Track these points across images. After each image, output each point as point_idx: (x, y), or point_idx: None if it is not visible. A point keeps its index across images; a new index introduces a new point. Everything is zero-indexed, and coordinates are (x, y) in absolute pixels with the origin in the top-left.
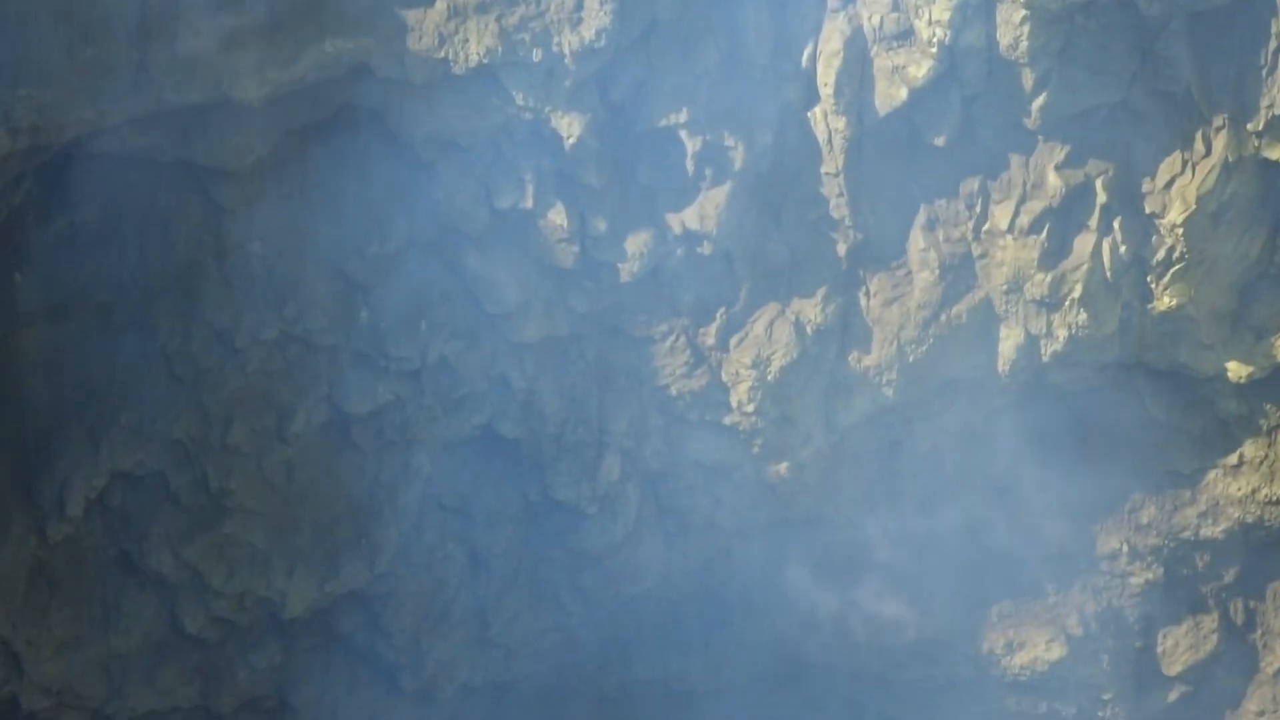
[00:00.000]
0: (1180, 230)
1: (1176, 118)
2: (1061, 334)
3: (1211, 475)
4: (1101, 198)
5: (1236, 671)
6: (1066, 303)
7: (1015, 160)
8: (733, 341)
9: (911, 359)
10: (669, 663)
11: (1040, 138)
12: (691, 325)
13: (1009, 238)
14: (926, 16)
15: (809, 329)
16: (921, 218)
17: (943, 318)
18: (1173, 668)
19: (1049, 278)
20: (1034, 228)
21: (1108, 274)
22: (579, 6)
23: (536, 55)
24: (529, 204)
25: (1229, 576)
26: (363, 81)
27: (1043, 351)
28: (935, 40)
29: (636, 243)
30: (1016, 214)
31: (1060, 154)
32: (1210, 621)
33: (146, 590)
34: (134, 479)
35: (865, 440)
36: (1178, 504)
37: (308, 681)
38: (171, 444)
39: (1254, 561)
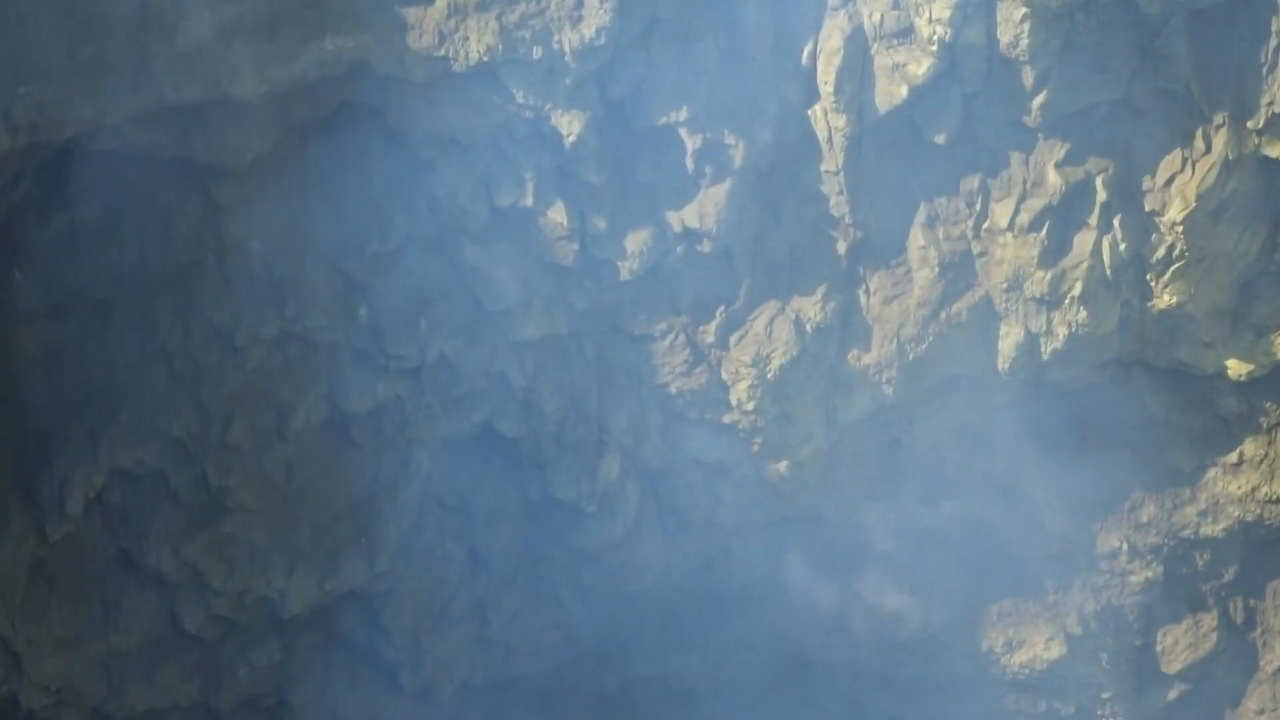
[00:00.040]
0: (1180, 228)
1: (1177, 115)
2: (1061, 332)
3: (1211, 473)
4: (1101, 195)
5: (1236, 670)
6: (1066, 300)
7: (1015, 158)
8: (732, 339)
9: (911, 357)
10: (669, 661)
11: (1040, 135)
12: (691, 323)
13: (1009, 235)
14: (927, 14)
15: (809, 327)
16: (921, 215)
17: (943, 316)
18: (1172, 666)
19: (1049, 275)
20: (1034, 225)
21: (1108, 272)
22: (579, 4)
23: (537, 53)
24: (529, 202)
25: (1229, 575)
26: (363, 79)
27: (1043, 349)
28: (935, 38)
29: (636, 240)
30: (1017, 212)
31: (1060, 152)
32: (1210, 620)
33: (146, 588)
34: (134, 477)
35: (865, 438)
36: (1177, 502)
37: (307, 680)
38: (171, 442)
39: (1254, 560)
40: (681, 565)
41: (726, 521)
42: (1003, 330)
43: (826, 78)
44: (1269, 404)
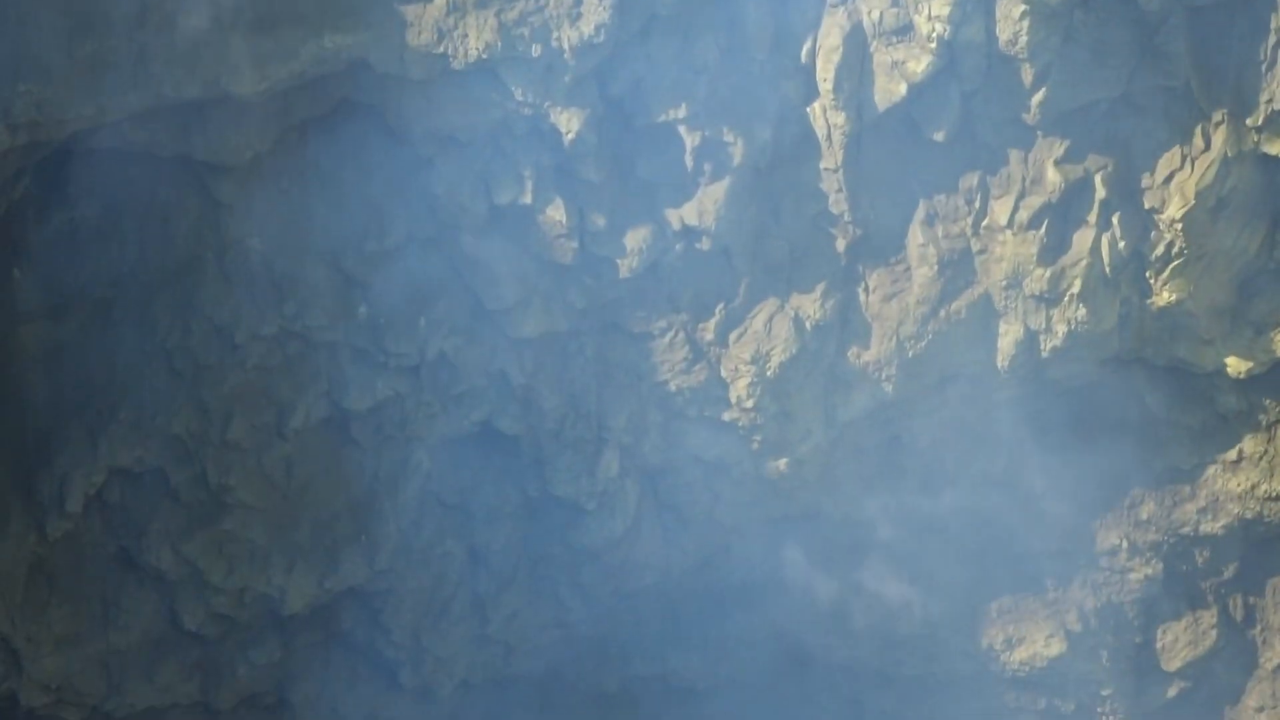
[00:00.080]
0: (1179, 225)
1: (1176, 113)
2: (1061, 329)
3: (1211, 471)
4: (1101, 193)
5: (1236, 667)
6: (1066, 298)
7: (1014, 155)
8: (732, 337)
9: (911, 354)
10: (668, 659)
11: (1039, 133)
12: (690, 321)
13: (1008, 233)
14: (926, 12)
15: (808, 324)
16: (921, 213)
17: (942, 313)
18: (1172, 663)
19: (1048, 273)
20: (1033, 223)
21: (1107, 269)
22: (578, 2)
23: (536, 51)
24: (528, 199)
25: (1228, 572)
26: (362, 77)
27: (1042, 347)
28: (934, 35)
29: (635, 238)
30: (1016, 209)
31: (1059, 149)
32: (1209, 617)
33: (146, 587)
34: (133, 475)
35: (865, 436)
36: (1177, 499)
37: (307, 678)
38: (171, 440)
39: (1253, 557)
40: (681, 563)
41: (726, 519)
42: (1002, 328)
43: (826, 75)
44: (1268, 401)
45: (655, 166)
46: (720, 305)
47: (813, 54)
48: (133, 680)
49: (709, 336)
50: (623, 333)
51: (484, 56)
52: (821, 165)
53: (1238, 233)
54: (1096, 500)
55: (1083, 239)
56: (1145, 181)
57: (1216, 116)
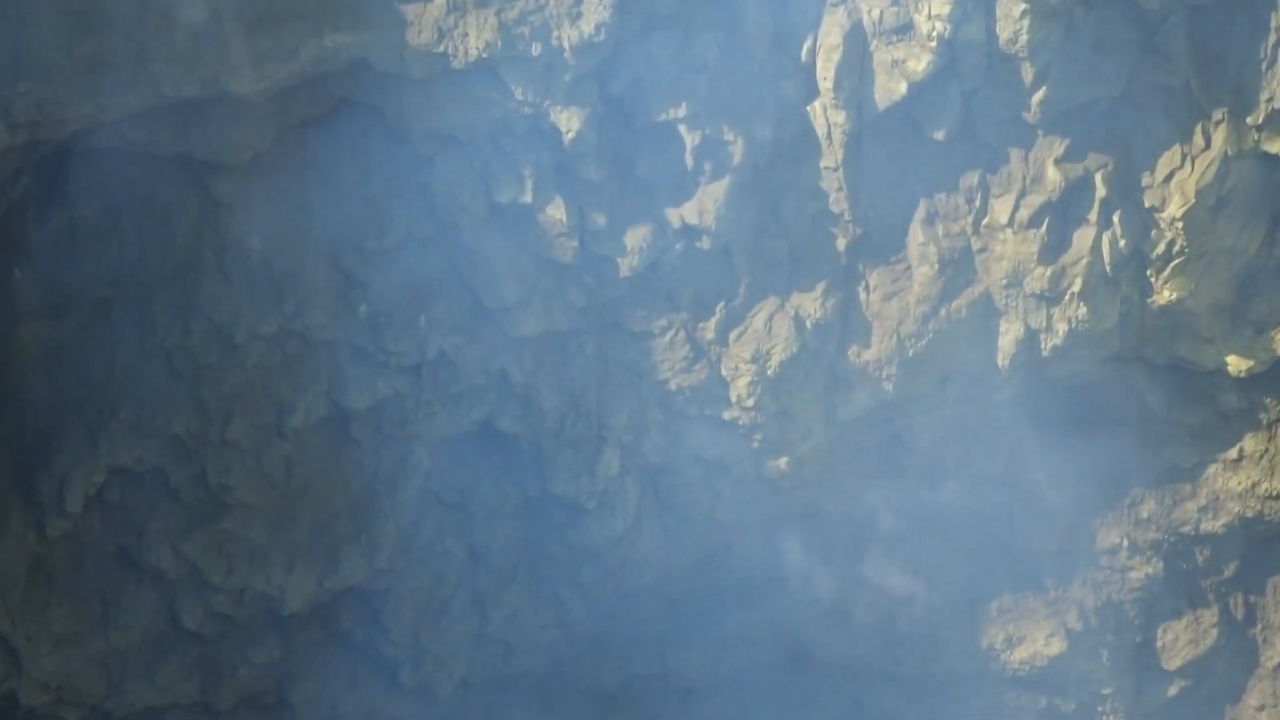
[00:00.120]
0: (1180, 224)
1: (1176, 111)
2: (1061, 328)
3: (1211, 469)
4: (1101, 191)
5: (1236, 666)
6: (1066, 297)
7: (1015, 154)
8: (732, 336)
9: (911, 353)
10: (668, 658)
11: (1040, 131)
12: (690, 320)
13: (1009, 232)
14: (926, 10)
15: (808, 323)
16: (921, 212)
17: (942, 312)
18: (1172, 662)
19: (1048, 272)
20: (1033, 222)
21: (1107, 268)
22: (578, 1)
23: (536, 50)
24: (528, 198)
25: (1229, 571)
26: (362, 76)
27: (1042, 345)
28: (935, 34)
29: (635, 237)
30: (1016, 208)
31: (1060, 148)
32: (1210, 616)
33: (145, 586)
34: (133, 474)
35: (865, 435)
36: (1177, 498)
37: (307, 677)
38: (171, 439)
39: (1254, 556)
40: (681, 562)
41: (726, 518)
42: (1002, 326)
43: (826, 74)
44: (1269, 400)
45: (655, 165)
46: (720, 304)
47: (813, 53)
48: (132, 680)
49: (709, 335)
50: (623, 332)
51: (484, 55)
52: (822, 164)
53: (1238, 231)
54: (1097, 499)
55: (1083, 237)
56: (1146, 180)
57: (1217, 115)
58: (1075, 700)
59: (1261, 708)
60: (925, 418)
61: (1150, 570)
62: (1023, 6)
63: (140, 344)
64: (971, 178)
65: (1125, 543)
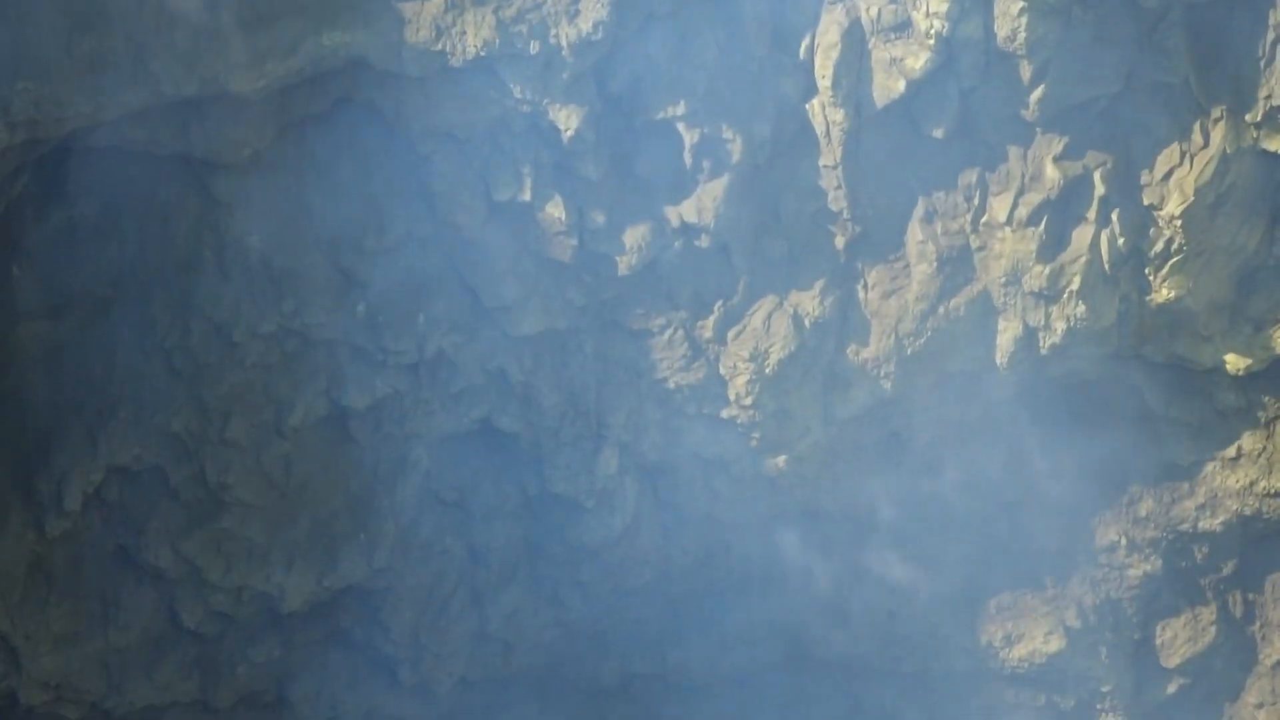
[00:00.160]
0: (1178, 222)
1: (1175, 109)
2: (1060, 326)
3: (1210, 467)
4: (1100, 189)
5: (1235, 664)
6: (1065, 295)
7: (1013, 152)
8: (730, 334)
9: (910, 351)
10: (667, 655)
11: (1038, 130)
12: (689, 318)
13: (1007, 230)
14: (924, 8)
15: (807, 321)
16: (920, 210)
17: (941, 310)
18: (1171, 660)
19: (1047, 270)
20: (1032, 220)
21: (1106, 266)
22: None
23: (534, 48)
24: (527, 197)
25: (1227, 569)
26: (360, 74)
27: (1041, 344)
28: (933, 32)
29: (634, 236)
30: (1015, 206)
31: (1058, 146)
32: (1209, 614)
33: (145, 585)
34: (132, 473)
35: (864, 433)
36: (1176, 496)
37: (306, 676)
38: (170, 438)
39: (1252, 554)
40: (680, 560)
41: (725, 516)
42: (1001, 325)
43: (824, 72)
44: (1267, 398)
45: (654, 163)
46: (719, 302)
47: (811, 51)
48: (132, 678)
49: (708, 334)
50: (622, 330)
51: (482, 54)
52: (820, 162)
53: (1236, 229)
54: (1096, 496)
55: (1082, 236)
56: (1144, 178)
57: (1215, 113)
58: (1074, 697)
59: (1260, 705)
60: (924, 416)
61: (1149, 568)
62: (1021, 4)
63: (140, 343)
64: (970, 176)
65: (1124, 540)
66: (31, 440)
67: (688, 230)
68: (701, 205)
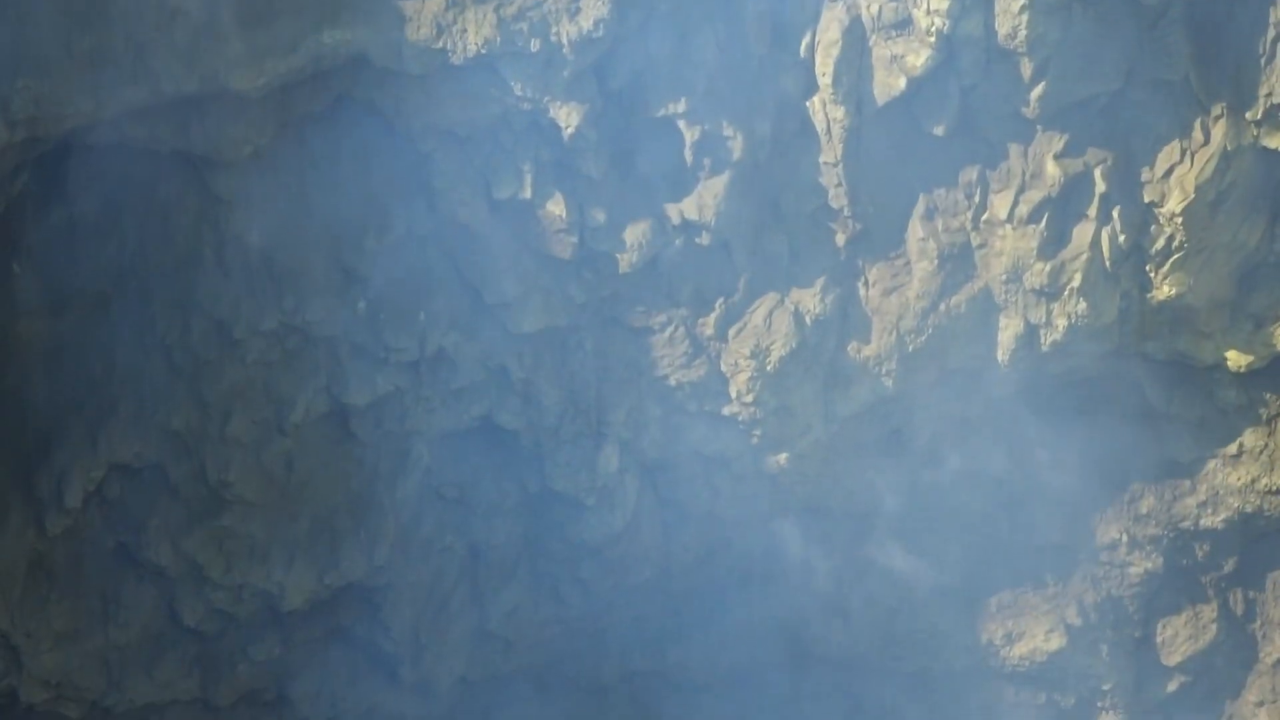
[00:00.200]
0: (1179, 219)
1: (1175, 107)
2: (1061, 323)
3: (1211, 465)
4: (1100, 187)
5: (1236, 662)
6: (1066, 292)
7: (1014, 150)
8: (731, 332)
9: (911, 349)
10: (668, 653)
11: (1039, 127)
12: (690, 315)
13: (1008, 227)
14: (925, 6)
15: (808, 319)
16: (920, 207)
17: (942, 307)
18: (1172, 658)
19: (1048, 267)
20: (1033, 217)
21: (1107, 263)
22: None
23: (534, 45)
24: (527, 194)
25: (1228, 566)
26: (361, 72)
27: (1042, 341)
28: (934, 29)
29: (635, 233)
30: (1015, 203)
31: (1059, 143)
32: (1210, 611)
33: (145, 582)
34: (132, 471)
35: (864, 430)
36: (1177, 494)
37: (307, 674)
38: (170, 435)
39: (1253, 551)
40: (681, 557)
41: (726, 513)
42: (1002, 322)
43: (825, 69)
44: (1268, 395)
45: (655, 161)
46: (720, 300)
47: (812, 48)
48: (132, 676)
49: (709, 331)
50: (622, 327)
51: (483, 51)
52: (821, 159)
53: (1237, 226)
54: (1097, 494)
55: (1082, 233)
56: (1145, 175)
57: (1216, 110)
58: (1075, 696)
59: (1260, 703)
60: (925, 413)
61: (1150, 565)
62: (1021, 2)
63: (140, 340)
64: (971, 173)
65: (1125, 538)
66: (31, 438)
67: (688, 227)
68: (702, 202)
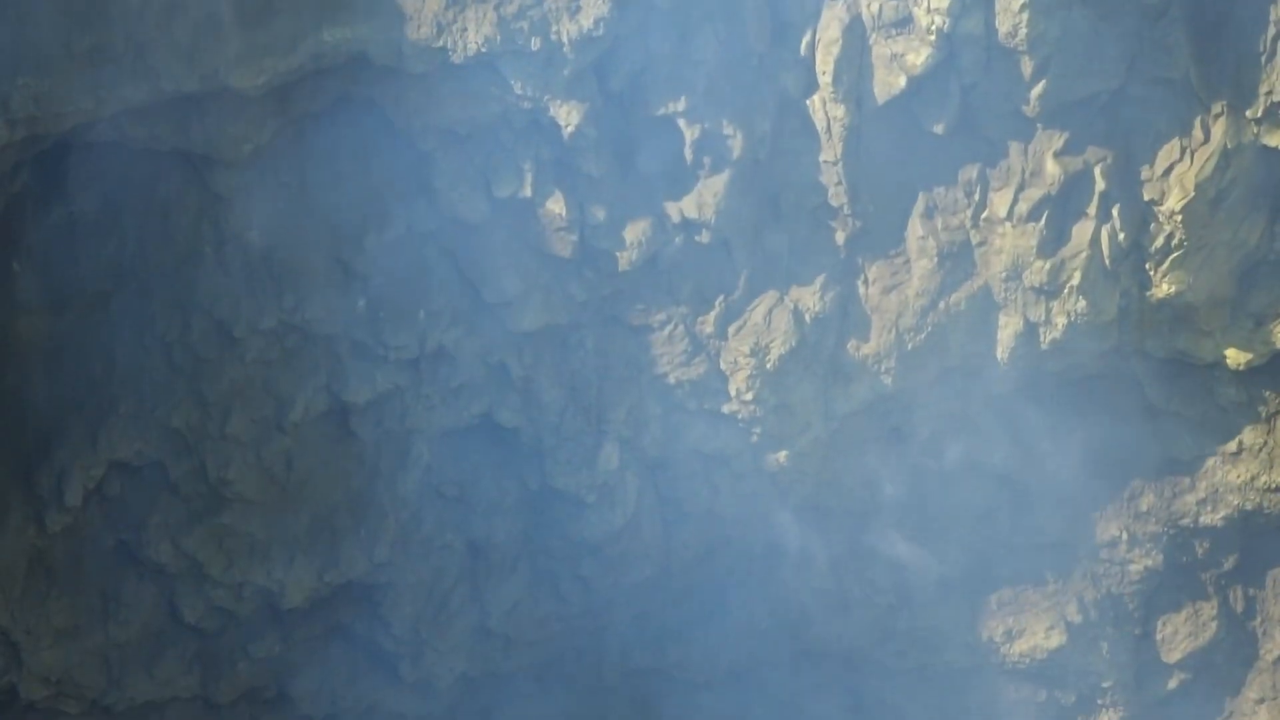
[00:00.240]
0: (1179, 217)
1: (1175, 105)
2: (1060, 321)
3: (1211, 462)
4: (1100, 185)
5: (1236, 659)
6: (1065, 290)
7: (1014, 148)
8: (731, 330)
9: (910, 347)
10: (668, 651)
11: (1039, 125)
12: (690, 313)
13: (1008, 225)
14: (925, 4)
15: (808, 317)
16: (920, 205)
17: (941, 306)
18: (1172, 655)
19: (1048, 265)
20: (1033, 215)
21: (1106, 261)
22: None
23: (535, 44)
24: (528, 193)
25: (1228, 564)
26: (361, 70)
27: (1042, 339)
28: (934, 28)
29: (635, 231)
30: (1015, 201)
31: (1059, 141)
32: (1210, 609)
33: (145, 580)
34: (132, 469)
35: (864, 428)
36: (1177, 491)
37: (307, 671)
38: (170, 433)
39: (1253, 549)
40: (681, 555)
41: (726, 511)
42: (1002, 320)
43: (825, 68)
44: (1268, 393)
45: (655, 159)
46: (720, 298)
47: (812, 47)
48: (132, 674)
49: (709, 329)
50: (622, 325)
51: (483, 50)
52: (821, 158)
53: (1237, 224)
54: (1096, 491)
55: (1082, 231)
56: (1145, 173)
57: (1216, 108)
58: (1075, 693)
59: (1261, 700)
60: (924, 411)
61: (1150, 563)
62: (1022, 0)
63: (140, 338)
64: (970, 171)
65: (1125, 535)
66: (31, 436)
67: (688, 226)
68: (702, 201)
